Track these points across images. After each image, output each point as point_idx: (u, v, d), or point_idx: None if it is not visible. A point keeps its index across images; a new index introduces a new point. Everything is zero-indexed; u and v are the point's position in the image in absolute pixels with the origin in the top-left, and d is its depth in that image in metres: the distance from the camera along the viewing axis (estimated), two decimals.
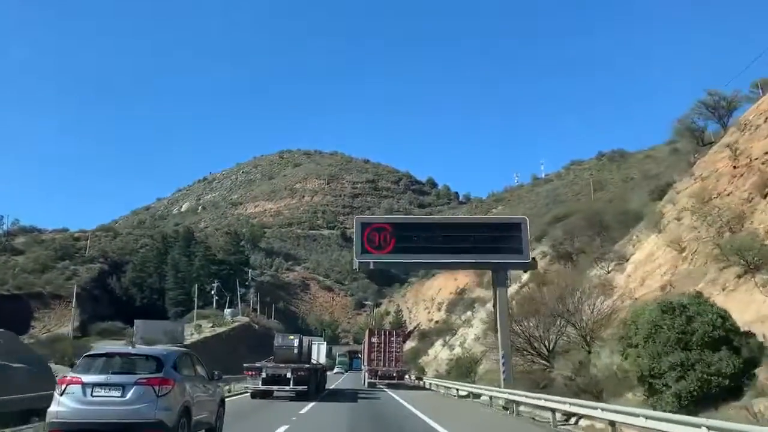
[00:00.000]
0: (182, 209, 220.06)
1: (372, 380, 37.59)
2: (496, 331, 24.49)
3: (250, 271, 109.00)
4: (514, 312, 43.13)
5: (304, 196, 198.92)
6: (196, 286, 74.26)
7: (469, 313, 61.44)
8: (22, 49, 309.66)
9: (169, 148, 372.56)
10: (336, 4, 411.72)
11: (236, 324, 69.15)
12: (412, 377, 46.67)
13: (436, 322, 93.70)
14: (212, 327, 63.24)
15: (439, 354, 57.17)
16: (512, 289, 51.96)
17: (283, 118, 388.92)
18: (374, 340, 38.83)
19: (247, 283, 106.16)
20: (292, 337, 25.70)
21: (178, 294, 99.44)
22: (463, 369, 35.47)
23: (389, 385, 36.82)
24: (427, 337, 71.43)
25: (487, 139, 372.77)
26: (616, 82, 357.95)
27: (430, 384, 41.47)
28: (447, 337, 58.83)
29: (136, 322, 50.94)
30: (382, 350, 38.16)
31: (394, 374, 37.73)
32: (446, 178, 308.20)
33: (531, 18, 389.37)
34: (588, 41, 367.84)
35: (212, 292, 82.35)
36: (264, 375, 22.73)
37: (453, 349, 51.05)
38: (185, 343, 50.38)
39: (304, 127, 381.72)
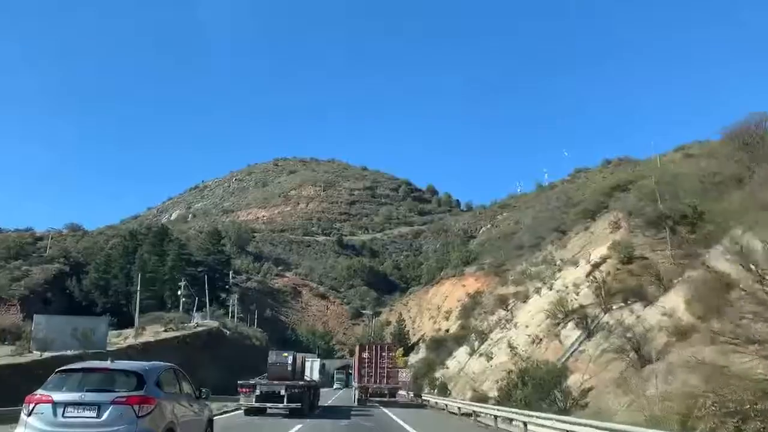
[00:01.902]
0: (172, 217, 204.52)
1: (363, 397, 34.65)
2: None
3: (231, 272, 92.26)
4: (608, 289, 27.27)
5: (298, 203, 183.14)
6: (136, 283, 57.79)
7: (501, 312, 45.28)
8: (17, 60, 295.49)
9: (161, 158, 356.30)
10: (334, 9, 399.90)
11: (201, 329, 52.58)
12: (410, 394, 40.91)
13: (446, 330, 77.92)
14: (164, 330, 46.82)
15: (466, 365, 40.90)
16: (578, 272, 36.04)
17: (278, 126, 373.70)
18: (365, 355, 35.76)
19: (227, 287, 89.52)
20: (285, 354, 24.64)
21: (145, 298, 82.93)
22: (545, 386, 19.26)
23: (382, 403, 33.61)
24: (442, 346, 55.01)
25: (486, 148, 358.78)
26: (618, 92, 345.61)
27: (459, 408, 26.29)
28: (475, 344, 42.52)
29: (36, 318, 34.55)
30: (373, 366, 35.05)
31: (386, 391, 34.97)
32: (446, 188, 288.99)
33: (531, 20, 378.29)
34: (588, 44, 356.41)
35: (180, 293, 65.95)
36: (258, 392, 22.18)
37: (492, 357, 34.81)
38: (109, 349, 34.18)
39: (300, 135, 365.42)
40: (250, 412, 22.57)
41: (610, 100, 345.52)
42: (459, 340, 51.51)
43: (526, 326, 34.06)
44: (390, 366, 35.43)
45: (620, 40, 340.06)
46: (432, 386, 44.33)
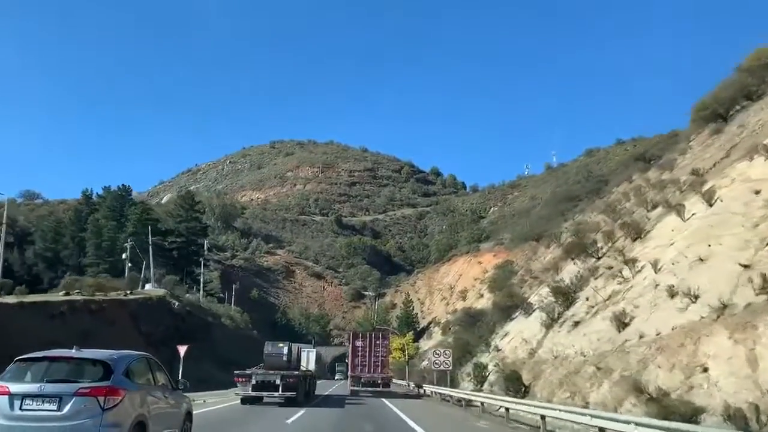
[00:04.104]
0: (163, 201, 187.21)
1: (355, 388, 32.27)
2: None
3: (206, 242, 74.42)
4: None
5: (295, 185, 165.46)
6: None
7: (587, 261, 27.70)
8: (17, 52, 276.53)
9: (154, 142, 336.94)
10: None
11: (132, 297, 35.05)
12: (411, 385, 36.56)
13: (471, 308, 60.81)
14: (65, 294, 29.36)
15: (546, 341, 23.35)
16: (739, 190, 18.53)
17: (275, 109, 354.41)
18: (358, 343, 33.20)
19: (202, 260, 71.76)
20: (281, 344, 24.01)
21: (99, 270, 65.49)
22: None
23: (376, 394, 31.04)
24: (480, 322, 37.39)
25: (490, 132, 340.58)
26: (618, 76, 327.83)
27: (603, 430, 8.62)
28: (555, 309, 24.77)
29: None
30: (367, 355, 32.65)
31: (379, 381, 32.18)
32: (450, 170, 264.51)
33: (535, 7, 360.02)
34: (588, 38, 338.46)
35: (125, 256, 48.64)
36: (254, 381, 21.78)
37: (627, 323, 17.32)
38: None
39: (297, 118, 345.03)
40: (246, 400, 21.92)
41: (617, 80, 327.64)
42: (508, 310, 33.98)
43: (702, 260, 16.41)
44: (384, 355, 33.30)
45: (625, 22, 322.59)
46: (478, 379, 26.90)
